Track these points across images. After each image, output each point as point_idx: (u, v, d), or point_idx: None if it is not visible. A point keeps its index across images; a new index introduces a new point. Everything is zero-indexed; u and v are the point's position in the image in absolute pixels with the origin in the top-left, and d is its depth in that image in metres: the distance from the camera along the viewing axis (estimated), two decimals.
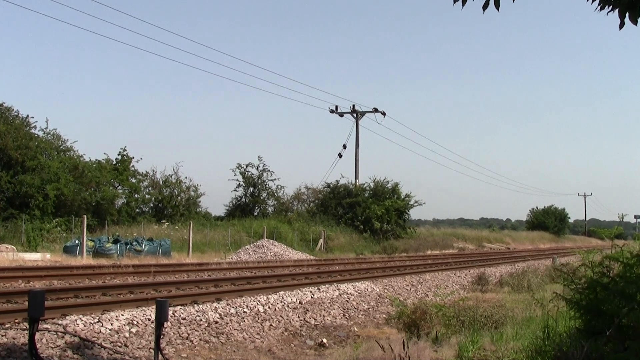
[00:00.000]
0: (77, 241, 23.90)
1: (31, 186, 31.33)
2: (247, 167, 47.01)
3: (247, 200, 47.56)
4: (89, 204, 34.32)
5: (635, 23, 3.87)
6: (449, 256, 34.16)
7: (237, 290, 13.30)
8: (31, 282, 13.91)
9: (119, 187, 39.34)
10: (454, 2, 4.14)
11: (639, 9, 3.85)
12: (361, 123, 47.16)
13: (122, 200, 38.81)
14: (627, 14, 3.88)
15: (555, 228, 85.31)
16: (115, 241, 24.97)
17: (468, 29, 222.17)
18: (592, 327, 5.73)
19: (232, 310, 10.78)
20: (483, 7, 4.16)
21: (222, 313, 10.49)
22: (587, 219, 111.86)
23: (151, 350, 8.05)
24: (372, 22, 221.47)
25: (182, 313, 9.88)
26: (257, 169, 47.10)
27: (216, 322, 10.01)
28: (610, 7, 3.96)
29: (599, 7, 4.02)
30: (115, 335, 8.37)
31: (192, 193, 43.79)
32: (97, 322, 8.56)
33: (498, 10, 4.12)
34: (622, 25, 3.93)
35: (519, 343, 7.84)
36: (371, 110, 46.96)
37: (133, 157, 40.68)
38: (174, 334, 9.07)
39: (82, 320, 8.47)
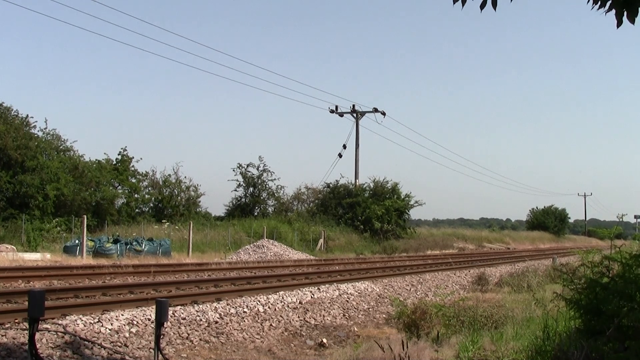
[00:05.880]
0: (77, 241, 23.89)
1: (31, 186, 31.31)
2: (247, 167, 47.07)
3: (247, 200, 47.53)
4: (89, 204, 34.31)
5: (632, 22, 3.89)
6: (449, 256, 34.15)
7: (237, 290, 13.30)
8: (31, 282, 13.91)
9: (119, 187, 39.33)
10: (454, 3, 4.16)
11: (636, 8, 3.87)
12: (361, 123, 47.21)
13: (122, 200, 38.80)
14: (624, 13, 3.90)
15: (555, 228, 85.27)
16: (115, 241, 24.96)
17: (468, 29, 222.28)
18: (592, 327, 5.73)
19: (232, 310, 10.78)
20: (480, 7, 4.19)
21: (222, 313, 10.49)
22: (587, 219, 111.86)
23: (151, 350, 8.05)
24: (372, 22, 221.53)
25: (182, 313, 9.89)
26: (257, 169, 47.15)
27: (216, 322, 10.01)
28: (608, 6, 3.97)
29: (596, 7, 4.03)
30: (115, 335, 8.37)
31: (192, 193, 43.79)
32: (97, 322, 8.56)
33: (495, 9, 4.15)
34: (619, 23, 3.95)
35: (519, 343, 7.84)
36: (371, 110, 46.96)
37: (133, 157, 40.73)
38: (174, 334, 9.07)
39: (82, 320, 8.47)
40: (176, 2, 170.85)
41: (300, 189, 50.26)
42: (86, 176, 34.95)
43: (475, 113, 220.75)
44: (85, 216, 24.78)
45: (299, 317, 11.82)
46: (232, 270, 19.97)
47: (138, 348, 8.20)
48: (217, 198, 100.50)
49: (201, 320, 9.87)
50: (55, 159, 34.18)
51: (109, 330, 8.45)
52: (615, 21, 3.93)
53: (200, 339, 9.19)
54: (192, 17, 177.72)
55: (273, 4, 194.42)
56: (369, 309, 14.03)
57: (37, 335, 7.19)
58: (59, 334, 7.86)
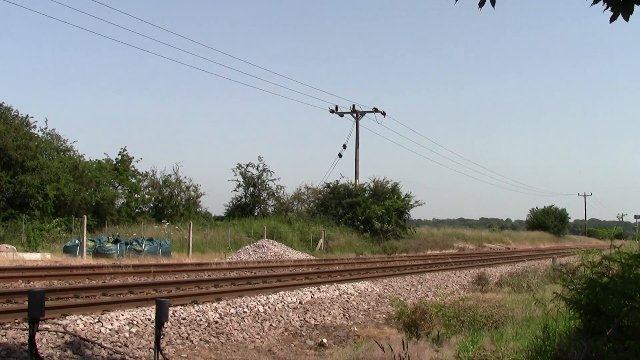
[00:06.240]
0: (77, 241, 23.88)
1: (31, 186, 31.31)
2: (247, 167, 47.06)
3: (247, 200, 47.54)
4: (89, 204, 34.31)
5: (626, 19, 3.91)
6: (449, 256, 34.14)
7: (237, 290, 13.30)
8: (31, 282, 13.91)
9: (119, 187, 39.33)
10: None
11: (632, 6, 3.89)
12: (361, 123, 47.19)
13: (122, 200, 38.80)
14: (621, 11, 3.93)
15: (555, 228, 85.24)
16: (115, 241, 24.96)
17: (468, 29, 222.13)
18: (592, 327, 5.73)
19: (232, 310, 10.78)
20: (479, 4, 4.19)
21: (222, 313, 10.49)
22: (587, 219, 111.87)
23: (151, 350, 8.05)
24: (372, 22, 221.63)
25: (182, 313, 9.89)
26: (257, 169, 47.15)
27: (216, 322, 10.01)
28: (606, 4, 3.99)
29: (593, 2, 4.05)
30: (115, 335, 8.37)
31: (192, 193, 43.80)
32: (97, 322, 8.56)
33: (493, 7, 4.15)
34: (612, 19, 3.97)
35: (519, 343, 7.83)
36: (371, 110, 46.94)
37: (133, 157, 40.74)
38: (174, 334, 9.07)
39: (82, 320, 8.47)
40: (176, 2, 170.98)
41: (300, 189, 50.32)
42: (86, 176, 34.96)
43: (475, 113, 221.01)
44: (85, 216, 24.77)
45: (299, 317, 11.82)
46: (232, 270, 19.97)
47: (138, 348, 8.21)
48: (217, 198, 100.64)
49: (201, 320, 9.87)
50: (55, 159, 34.18)
51: (109, 330, 8.45)
52: (617, 20, 3.95)
53: (200, 339, 9.20)
54: (192, 17, 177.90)
55: (273, 4, 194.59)
56: (369, 309, 14.03)
57: (37, 335, 7.19)
58: (59, 334, 7.86)
